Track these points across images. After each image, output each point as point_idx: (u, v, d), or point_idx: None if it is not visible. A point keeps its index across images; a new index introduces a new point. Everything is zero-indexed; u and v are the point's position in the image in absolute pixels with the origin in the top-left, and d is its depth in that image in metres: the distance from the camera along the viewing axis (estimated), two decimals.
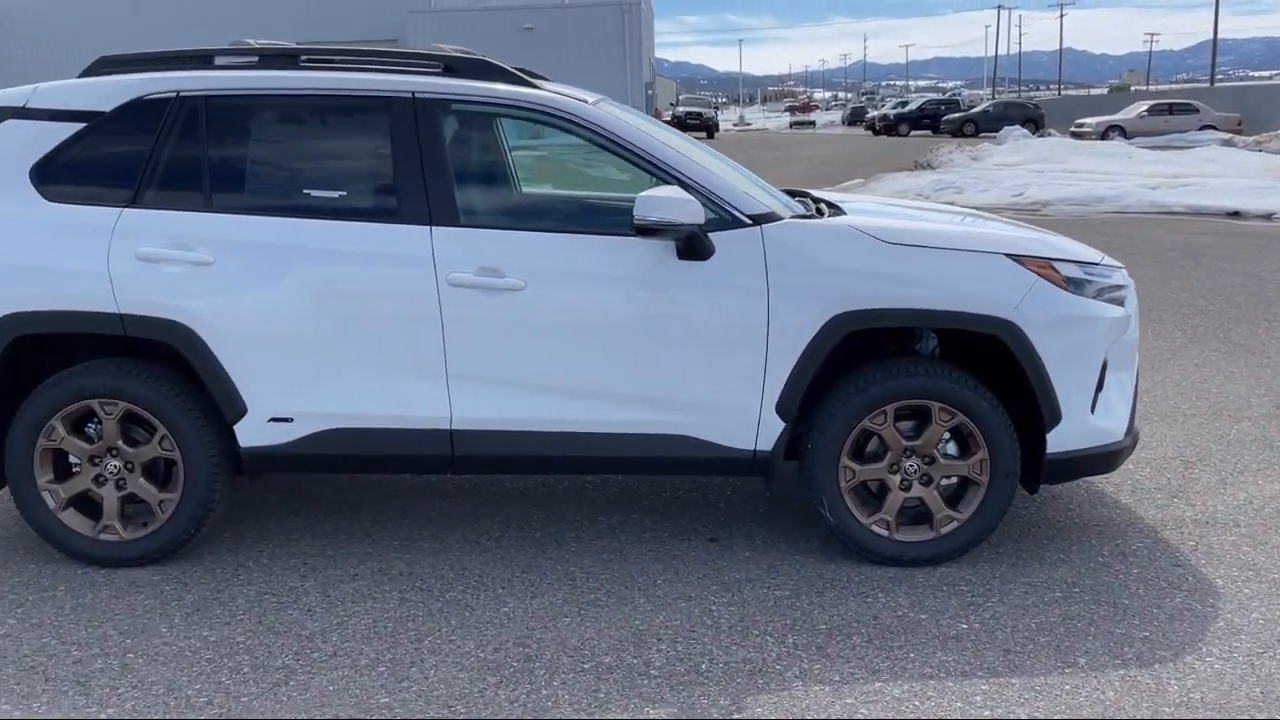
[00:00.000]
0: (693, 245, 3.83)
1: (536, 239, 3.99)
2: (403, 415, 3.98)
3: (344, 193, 4.12)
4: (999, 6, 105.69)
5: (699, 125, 48.02)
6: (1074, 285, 3.96)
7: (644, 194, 3.76)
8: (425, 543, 4.34)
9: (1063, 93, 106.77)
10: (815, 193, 4.90)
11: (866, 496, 4.06)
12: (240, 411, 3.97)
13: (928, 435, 3.93)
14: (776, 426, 3.94)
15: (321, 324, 3.92)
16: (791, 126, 76.52)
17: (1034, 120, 45.23)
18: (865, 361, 4.02)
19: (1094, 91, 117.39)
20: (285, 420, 3.99)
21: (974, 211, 5.42)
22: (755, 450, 3.98)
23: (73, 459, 4.09)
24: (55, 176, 4.00)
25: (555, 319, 3.91)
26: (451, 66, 4.16)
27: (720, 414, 3.95)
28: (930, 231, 4.08)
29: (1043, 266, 3.93)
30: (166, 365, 4.06)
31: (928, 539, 4.01)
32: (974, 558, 4.07)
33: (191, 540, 4.11)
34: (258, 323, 3.92)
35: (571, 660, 3.40)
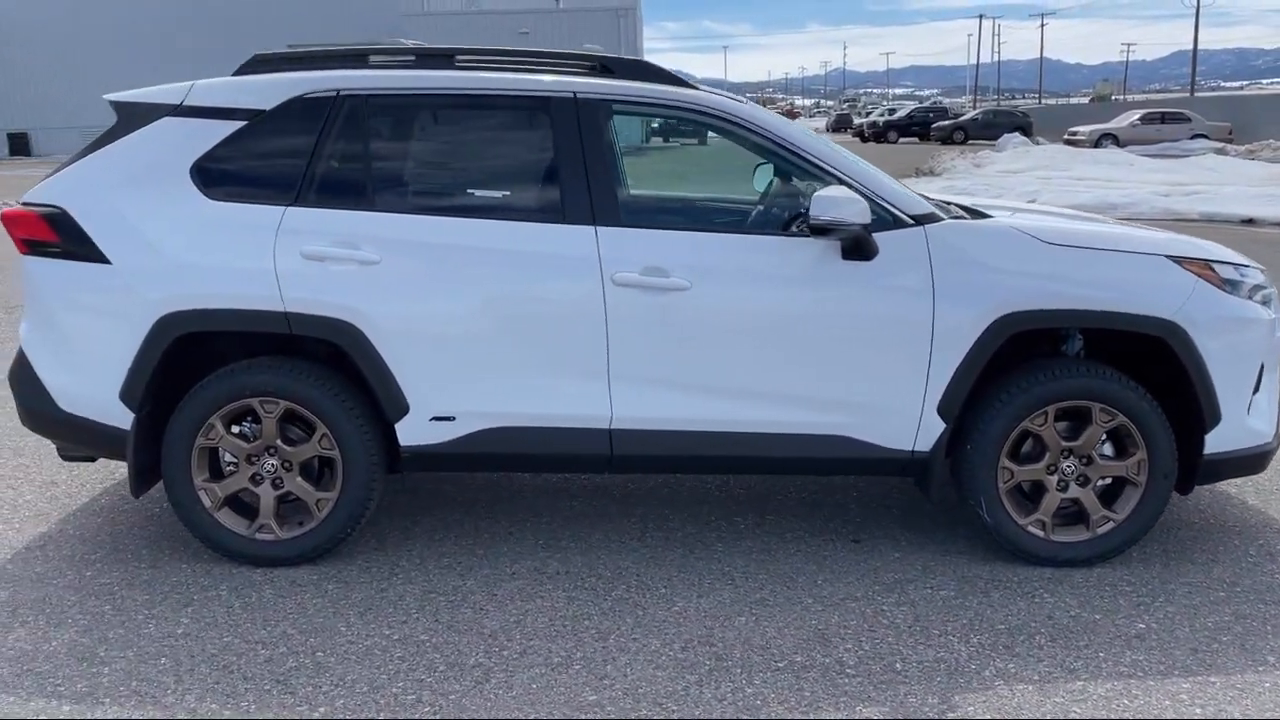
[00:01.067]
0: (860, 245, 3.86)
1: (700, 239, 4.01)
2: (563, 414, 3.98)
3: (507, 192, 4.13)
4: (980, 16, 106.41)
5: (691, 131, 48.01)
6: (1230, 286, 4.02)
7: (819, 194, 3.79)
8: (569, 542, 4.34)
9: (1043, 101, 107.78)
10: (934, 196, 4.94)
11: (1020, 497, 4.09)
12: (403, 410, 3.96)
13: (1087, 436, 3.97)
14: (937, 427, 3.96)
15: (485, 323, 3.92)
16: None
17: (1023, 128, 45.52)
18: (1012, 363, 4.05)
19: (1073, 100, 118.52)
20: (447, 419, 3.98)
21: (1084, 214, 5.45)
22: (913, 451, 4.00)
23: (228, 457, 4.07)
24: (216, 174, 3.98)
25: (719, 319, 3.92)
26: (608, 67, 4.18)
27: (881, 414, 3.97)
28: (1088, 233, 4.12)
29: (1202, 268, 3.99)
30: (323, 363, 4.05)
31: (1083, 539, 4.04)
32: (1125, 559, 4.11)
33: (346, 540, 4.10)
34: (423, 322, 3.92)
35: (763, 659, 3.41)
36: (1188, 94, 70.72)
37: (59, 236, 3.94)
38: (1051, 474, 4.02)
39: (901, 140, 51.07)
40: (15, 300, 9.88)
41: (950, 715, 3.09)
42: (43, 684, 3.25)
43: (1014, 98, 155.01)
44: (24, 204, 4.03)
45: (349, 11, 45.30)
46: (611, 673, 3.33)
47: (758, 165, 5.30)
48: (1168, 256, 3.99)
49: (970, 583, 3.95)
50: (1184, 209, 17.32)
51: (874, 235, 3.88)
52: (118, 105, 4.12)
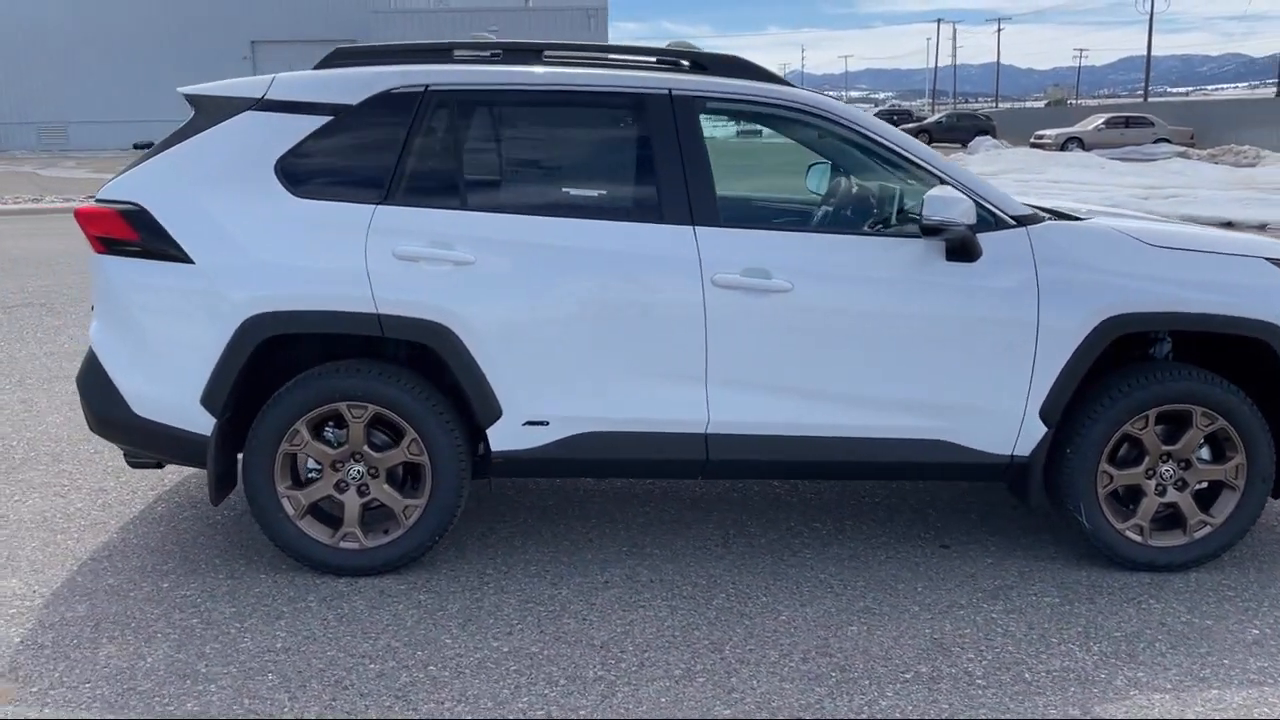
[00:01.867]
0: (965, 246, 3.80)
1: (801, 239, 3.93)
2: (659, 419, 3.89)
3: (603, 191, 4.02)
4: (939, 20, 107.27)
5: None
6: None
7: (931, 194, 3.72)
8: (654, 549, 4.24)
9: (999, 105, 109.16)
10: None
11: (1116, 502, 4.05)
12: (495, 415, 3.84)
13: (1186, 439, 3.94)
14: (1039, 431, 3.91)
15: (582, 325, 3.81)
16: (739, 134, 76.72)
17: (987, 131, 46.07)
18: (1104, 366, 4.01)
19: (1027, 104, 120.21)
20: (540, 424, 3.87)
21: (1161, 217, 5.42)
22: (1013, 455, 3.95)
23: (310, 464, 3.93)
24: (301, 171, 3.84)
25: (821, 322, 3.84)
26: (701, 63, 4.09)
27: (981, 418, 3.91)
28: (1188, 235, 4.09)
29: None
30: (406, 367, 3.93)
31: (1180, 544, 4.01)
32: (1219, 564, 4.09)
33: (431, 549, 3.97)
34: (518, 324, 3.80)
35: (887, 670, 3.34)
36: (1139, 99, 71.91)
37: (138, 235, 3.78)
38: (1150, 478, 3.98)
39: None
40: (13, 300, 9.60)
41: None
42: (150, 704, 3.10)
43: (969, 101, 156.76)
44: (99, 200, 3.86)
45: (317, 7, 44.78)
46: (738, 685, 3.24)
47: (811, 165, 5.24)
48: (1267, 259, 3.97)
49: (1071, 589, 3.90)
50: (1165, 212, 17.48)
51: (977, 236, 3.83)
52: (194, 99, 3.96)
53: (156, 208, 3.79)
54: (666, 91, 3.93)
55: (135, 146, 4.50)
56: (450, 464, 3.86)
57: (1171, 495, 4.00)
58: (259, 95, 3.90)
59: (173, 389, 3.81)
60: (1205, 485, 4.05)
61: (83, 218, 3.84)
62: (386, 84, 3.90)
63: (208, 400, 3.78)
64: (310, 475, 3.93)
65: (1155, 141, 36.24)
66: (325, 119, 3.86)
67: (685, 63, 4.12)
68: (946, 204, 3.68)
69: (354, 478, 3.88)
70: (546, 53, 4.10)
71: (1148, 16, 78.06)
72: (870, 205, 4.41)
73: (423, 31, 41.95)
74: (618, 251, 3.83)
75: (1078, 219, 4.21)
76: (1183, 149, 33.98)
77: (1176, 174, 24.90)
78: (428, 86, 3.90)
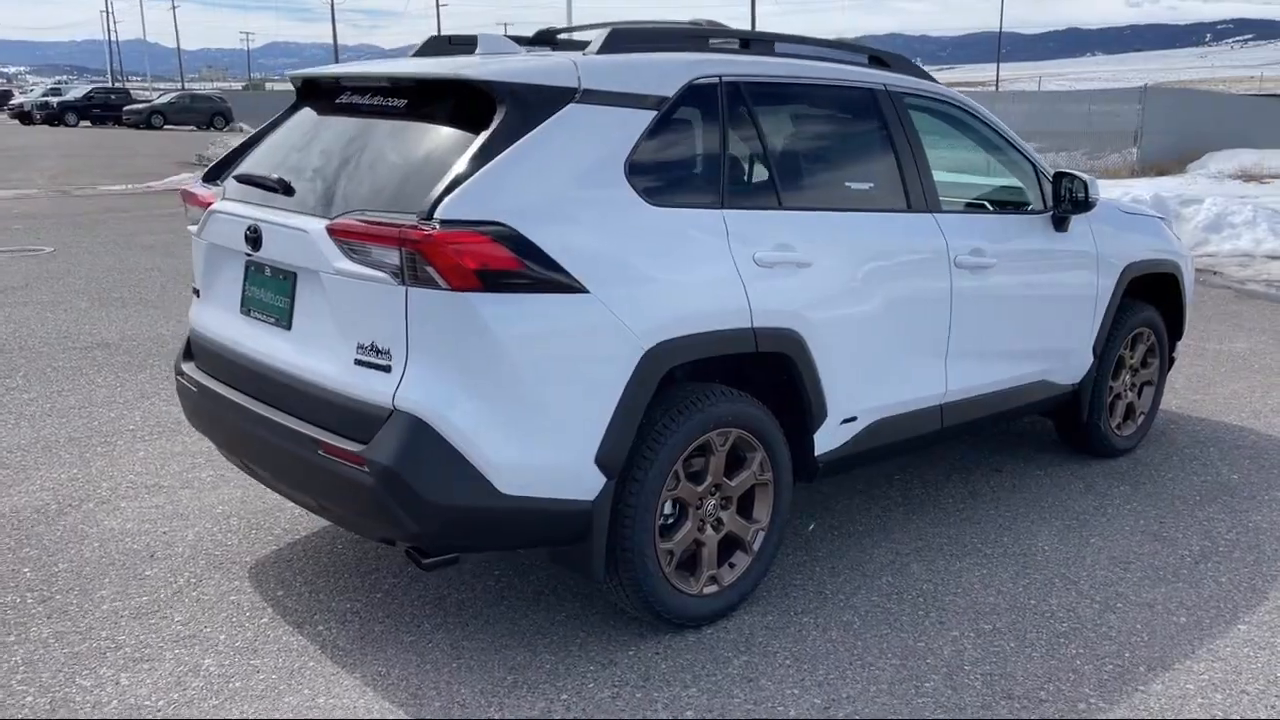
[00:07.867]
0: (1067, 219, 4.69)
1: (989, 219, 4.48)
2: (915, 397, 4.13)
3: (871, 184, 4.05)
4: None
5: None
6: None
7: (1087, 177, 4.53)
8: (900, 531, 4.42)
9: (152, 84, 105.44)
10: None
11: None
12: (822, 417, 3.76)
13: (1140, 353, 5.35)
14: (1089, 363, 4.99)
15: (881, 317, 3.89)
16: None
17: (223, 114, 45.07)
18: None
19: (197, 85, 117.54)
20: (851, 420, 3.88)
21: None
22: (1074, 385, 4.98)
23: (667, 508, 3.42)
24: (645, 174, 3.28)
25: (1008, 291, 4.44)
26: (884, 61, 4.32)
27: (1068, 358, 4.87)
28: (1129, 204, 5.43)
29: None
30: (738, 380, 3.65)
31: (1134, 430, 5.40)
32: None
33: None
34: (845, 322, 3.75)
35: (1174, 559, 4.10)
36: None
37: (523, 264, 2.93)
38: (1133, 389, 5.32)
39: (83, 124, 46.57)
40: None
41: None
42: None
43: (128, 79, 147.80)
44: (450, 224, 2.86)
45: None
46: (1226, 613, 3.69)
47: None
48: (1160, 218, 5.51)
49: (1130, 479, 5.01)
50: None
51: None
52: (499, 87, 3.09)
53: (526, 227, 2.96)
54: (883, 87, 4.13)
55: None
56: (788, 478, 3.70)
57: (1129, 396, 5.38)
58: (574, 84, 3.22)
59: (560, 452, 3.05)
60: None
61: (445, 247, 2.82)
62: (691, 74, 3.49)
63: (606, 456, 3.11)
64: (664, 520, 3.43)
65: None
66: (651, 113, 3.34)
67: (859, 57, 4.29)
68: (1096, 185, 4.54)
69: (710, 513, 3.51)
70: (778, 44, 3.99)
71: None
72: (1011, 189, 4.95)
73: None
74: (900, 243, 3.98)
75: None
76: None
77: None
78: (721, 78, 3.59)
